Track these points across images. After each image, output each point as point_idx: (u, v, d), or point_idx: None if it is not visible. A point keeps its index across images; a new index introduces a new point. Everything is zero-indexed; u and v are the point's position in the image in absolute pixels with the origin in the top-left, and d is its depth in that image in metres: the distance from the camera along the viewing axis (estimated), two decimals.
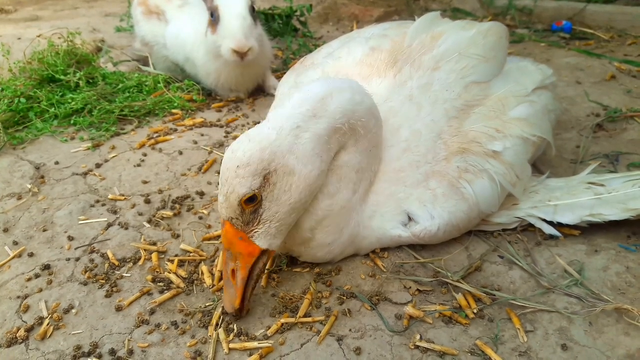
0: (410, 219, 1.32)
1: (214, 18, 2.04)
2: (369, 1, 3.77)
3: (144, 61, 2.65)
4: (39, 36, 2.52)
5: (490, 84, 1.45)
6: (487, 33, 1.49)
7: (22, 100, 2.13)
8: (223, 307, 1.19)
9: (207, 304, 1.24)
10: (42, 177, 1.81)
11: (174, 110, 2.24)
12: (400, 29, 1.59)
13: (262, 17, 3.02)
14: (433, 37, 1.46)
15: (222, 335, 1.14)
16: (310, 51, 3.00)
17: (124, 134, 2.08)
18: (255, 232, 1.12)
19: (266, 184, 1.08)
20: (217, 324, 1.18)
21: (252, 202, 1.08)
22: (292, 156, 1.09)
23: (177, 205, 1.64)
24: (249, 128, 2.14)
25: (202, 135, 2.05)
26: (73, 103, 2.16)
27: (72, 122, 2.14)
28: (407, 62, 1.43)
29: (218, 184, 1.76)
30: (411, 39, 1.47)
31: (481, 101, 1.41)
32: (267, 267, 1.35)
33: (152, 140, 1.99)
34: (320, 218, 1.21)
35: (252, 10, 2.08)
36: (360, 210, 1.28)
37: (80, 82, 2.25)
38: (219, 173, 1.82)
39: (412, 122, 1.35)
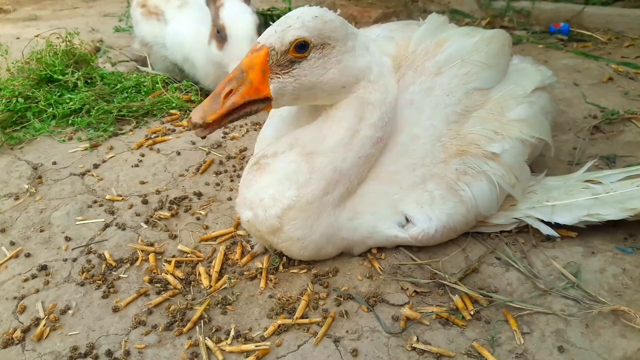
0: (407, 220, 1.33)
1: (220, 35, 2.03)
2: (368, 2, 3.77)
3: (143, 61, 2.64)
4: (37, 36, 2.51)
5: (491, 90, 1.45)
6: (491, 40, 1.49)
7: (20, 100, 2.13)
8: (190, 118, 1.13)
9: (190, 302, 1.25)
10: (40, 177, 1.80)
11: (172, 111, 2.23)
12: (406, 31, 1.59)
13: (261, 18, 3.01)
14: (437, 44, 1.47)
15: (210, 343, 1.14)
16: None
17: (122, 134, 2.08)
18: (277, 77, 1.14)
19: (318, 50, 1.13)
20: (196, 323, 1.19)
21: (298, 52, 1.12)
22: (349, 56, 1.16)
23: (174, 206, 1.64)
24: (247, 129, 2.14)
25: None
26: (71, 103, 2.15)
27: (70, 122, 2.13)
28: (410, 68, 1.43)
29: (216, 184, 1.76)
30: (416, 45, 1.47)
31: (481, 105, 1.41)
32: (264, 267, 1.35)
33: (150, 141, 1.99)
34: (285, 207, 1.20)
35: (259, 28, 2.08)
36: (333, 213, 1.26)
37: (79, 82, 2.25)
38: (216, 174, 1.83)
39: (411, 126, 1.35)
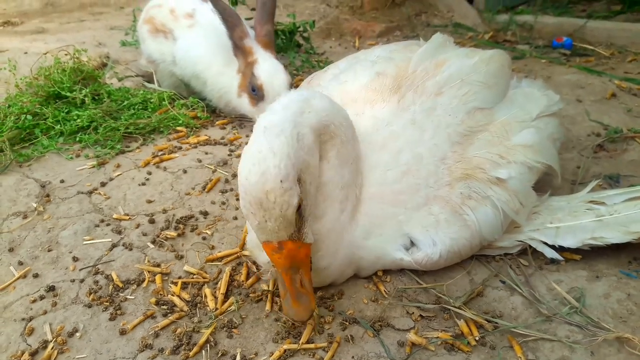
0: (412, 243, 1.34)
1: (256, 93, 2.08)
2: (371, 17, 3.81)
3: (149, 77, 2.67)
4: (46, 54, 2.55)
5: (494, 110, 1.47)
6: (490, 61, 1.51)
7: (29, 117, 2.15)
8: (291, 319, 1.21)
9: (197, 325, 1.26)
10: (48, 195, 1.83)
11: (178, 128, 2.26)
12: (405, 52, 1.61)
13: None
14: (437, 64, 1.49)
15: None
16: (313, 67, 3.04)
17: (129, 151, 2.10)
18: (304, 232, 1.12)
19: (301, 184, 1.08)
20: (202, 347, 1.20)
21: (299, 207, 1.09)
22: (302, 151, 1.09)
23: (181, 226, 1.65)
24: None
25: (207, 153, 2.07)
26: (79, 120, 2.18)
27: (77, 139, 2.16)
28: (410, 88, 1.44)
29: (222, 203, 1.78)
30: (415, 65, 1.49)
31: (485, 127, 1.43)
32: (270, 290, 1.36)
33: (157, 159, 2.01)
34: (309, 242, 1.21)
35: (291, 86, 2.13)
36: (351, 229, 1.28)
37: (86, 99, 2.27)
38: (222, 192, 1.84)
39: (413, 145, 1.36)
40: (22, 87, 2.40)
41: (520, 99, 1.56)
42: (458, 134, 1.39)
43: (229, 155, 2.07)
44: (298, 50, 3.23)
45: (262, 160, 1.03)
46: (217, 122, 2.38)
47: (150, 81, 2.64)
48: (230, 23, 2.08)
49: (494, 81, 1.50)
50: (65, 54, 2.48)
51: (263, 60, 2.08)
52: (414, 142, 1.36)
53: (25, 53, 3.30)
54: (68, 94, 2.28)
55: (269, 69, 2.06)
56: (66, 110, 2.26)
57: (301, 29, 3.23)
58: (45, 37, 3.86)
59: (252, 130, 2.23)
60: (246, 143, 2.15)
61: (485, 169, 1.36)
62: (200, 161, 2.01)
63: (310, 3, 4.10)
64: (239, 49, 2.10)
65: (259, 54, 2.09)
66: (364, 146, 1.34)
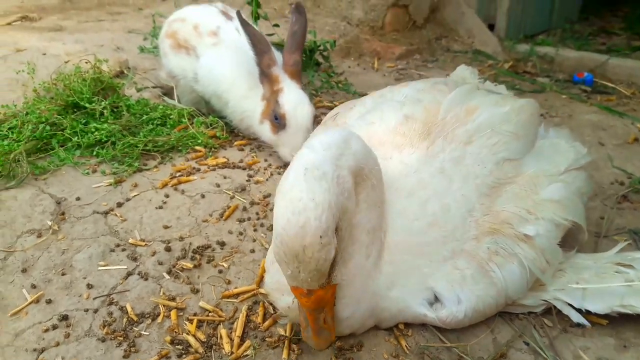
0: (436, 298, 1.31)
1: (278, 122, 2.07)
2: (391, 38, 3.79)
3: (168, 90, 2.65)
4: (67, 62, 2.52)
5: (522, 162, 1.45)
6: (520, 110, 1.49)
7: (47, 128, 2.12)
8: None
9: None
10: (63, 213, 1.80)
11: (197, 147, 2.23)
12: (434, 93, 1.59)
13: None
14: (467, 111, 1.46)
15: None
16: (332, 88, 3.02)
17: (147, 170, 2.07)
18: (333, 276, 1.11)
19: (337, 232, 1.05)
20: None
21: (335, 258, 1.07)
22: (343, 197, 1.05)
23: (197, 256, 1.62)
24: (271, 172, 2.13)
25: (225, 177, 2.04)
26: (97, 133, 2.15)
27: (94, 153, 2.13)
28: (440, 135, 1.42)
29: (239, 233, 1.75)
30: (445, 112, 1.47)
31: (513, 179, 1.40)
32: (287, 336, 1.34)
33: (175, 180, 1.98)
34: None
35: (314, 118, 2.12)
36: (375, 277, 1.26)
37: (105, 111, 2.24)
38: (240, 221, 1.81)
39: (441, 195, 1.34)
40: (40, 91, 2.37)
41: (548, 150, 1.54)
42: (486, 186, 1.36)
43: (247, 180, 2.04)
44: (317, 69, 3.20)
45: (302, 210, 0.98)
46: (235, 143, 2.35)
47: (170, 95, 2.61)
48: (259, 49, 2.05)
49: (523, 132, 1.48)
50: (86, 62, 2.46)
51: (289, 89, 2.06)
52: (442, 192, 1.34)
53: (44, 54, 3.28)
54: (87, 105, 2.25)
55: (294, 99, 2.04)
56: (84, 122, 2.23)
57: (321, 47, 3.21)
58: (63, 37, 3.83)
59: (270, 154, 2.25)
60: (265, 168, 2.16)
61: (512, 224, 1.33)
62: (218, 186, 1.98)
63: (331, 19, 4.08)
64: (266, 76, 2.08)
65: (285, 83, 2.07)
66: (390, 192, 1.32)
